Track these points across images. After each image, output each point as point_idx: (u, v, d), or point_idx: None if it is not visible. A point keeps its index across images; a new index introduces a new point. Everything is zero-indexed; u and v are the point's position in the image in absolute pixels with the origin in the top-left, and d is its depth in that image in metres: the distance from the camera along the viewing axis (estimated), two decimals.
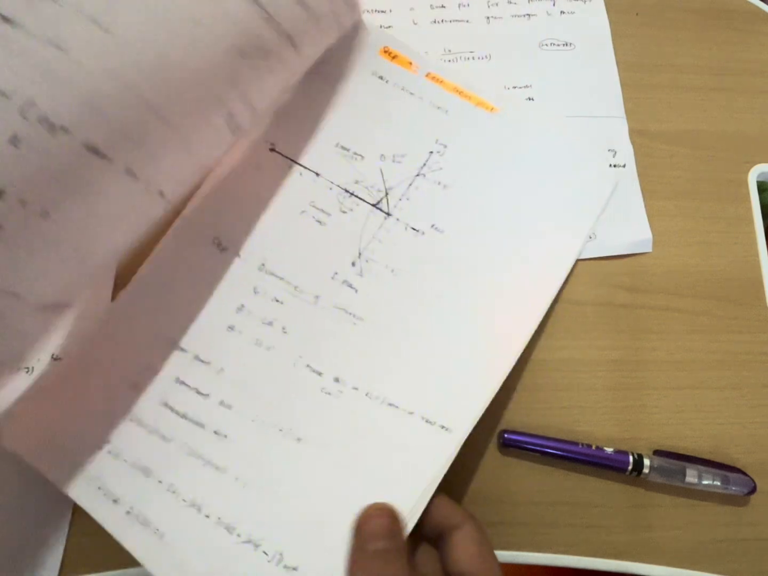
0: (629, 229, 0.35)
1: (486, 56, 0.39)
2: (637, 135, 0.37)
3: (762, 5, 0.42)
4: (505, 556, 0.29)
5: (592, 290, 0.34)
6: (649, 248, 0.35)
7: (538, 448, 0.30)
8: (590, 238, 0.34)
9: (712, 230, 0.36)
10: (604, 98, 0.38)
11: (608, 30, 0.40)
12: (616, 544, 0.29)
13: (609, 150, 0.37)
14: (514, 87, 0.38)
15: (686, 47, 0.40)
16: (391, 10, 0.40)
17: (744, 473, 0.30)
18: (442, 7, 0.40)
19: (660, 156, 0.37)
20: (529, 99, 0.38)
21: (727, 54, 0.40)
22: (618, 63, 0.40)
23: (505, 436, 0.30)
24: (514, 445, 0.30)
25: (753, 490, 0.30)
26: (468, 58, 0.39)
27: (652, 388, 0.32)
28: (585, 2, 0.41)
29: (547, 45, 0.39)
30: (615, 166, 0.36)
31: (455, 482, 0.30)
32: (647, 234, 0.35)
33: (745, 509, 0.30)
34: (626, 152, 0.37)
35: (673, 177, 0.37)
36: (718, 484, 0.29)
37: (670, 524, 0.30)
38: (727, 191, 0.37)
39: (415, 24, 0.39)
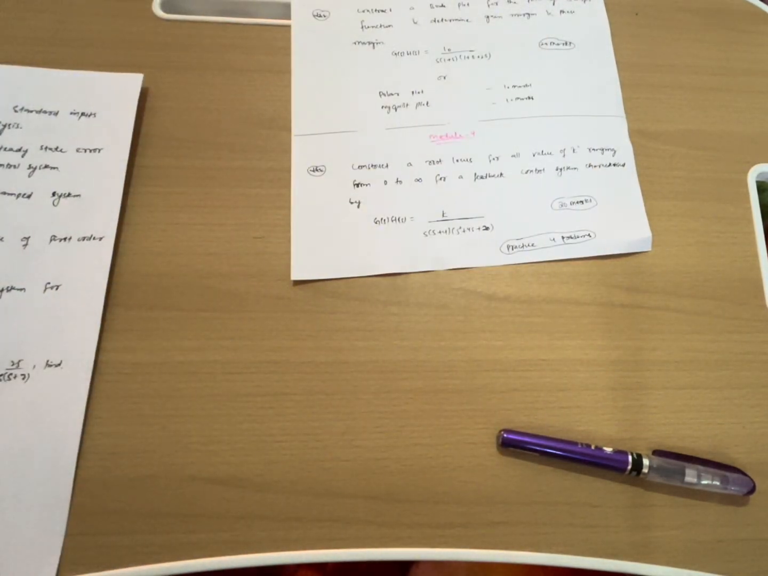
0: (629, 229, 0.35)
1: (486, 55, 0.39)
2: (637, 135, 0.37)
3: (762, 5, 0.42)
4: (505, 556, 0.29)
5: (592, 290, 0.34)
6: (648, 247, 0.35)
7: (537, 448, 0.30)
8: (589, 237, 0.34)
9: (712, 230, 0.36)
10: (603, 97, 0.38)
11: (608, 29, 0.40)
12: (616, 544, 0.29)
13: (608, 149, 0.37)
14: (514, 86, 0.38)
15: (686, 47, 0.40)
16: (391, 9, 0.40)
17: (743, 473, 0.30)
18: (442, 6, 0.40)
19: (660, 156, 0.37)
20: (529, 98, 0.38)
21: (727, 54, 0.40)
22: (618, 63, 0.40)
23: (505, 435, 0.30)
24: (513, 445, 0.30)
25: (752, 490, 0.30)
26: (467, 57, 0.39)
27: (651, 388, 0.32)
28: (585, 1, 0.41)
29: (546, 44, 0.39)
30: (614, 165, 0.36)
31: (455, 482, 0.30)
32: (647, 233, 0.35)
33: (745, 509, 0.30)
34: (626, 151, 0.37)
35: (673, 177, 0.37)
36: (718, 484, 0.29)
37: (669, 524, 0.30)
38: (726, 191, 0.37)
39: (415, 23, 0.39)
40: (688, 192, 0.36)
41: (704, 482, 0.29)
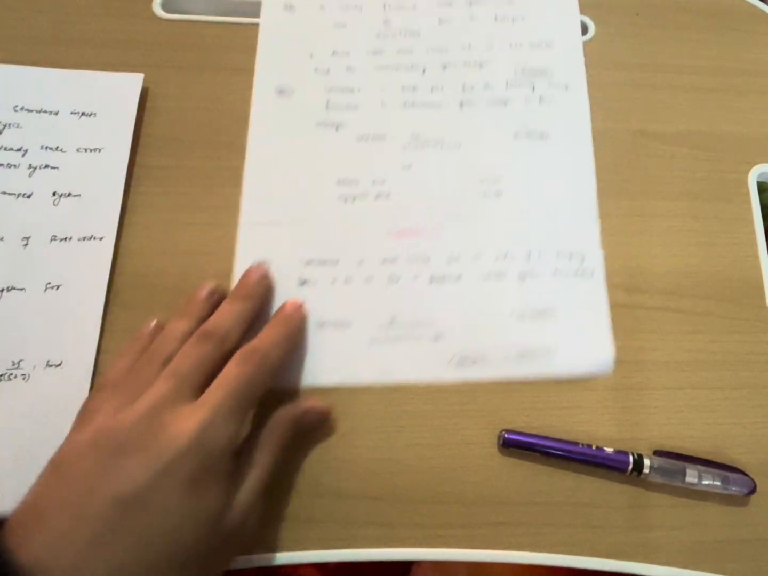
0: (590, 347, 0.32)
1: (456, 145, 0.36)
2: (637, 135, 0.38)
3: (762, 5, 0.42)
4: (505, 556, 0.29)
5: None
6: (609, 369, 0.32)
7: (538, 448, 0.30)
8: (547, 354, 0.32)
9: (712, 230, 0.36)
10: (577, 198, 0.35)
11: (589, 122, 0.37)
12: (616, 544, 0.29)
13: (576, 255, 0.34)
14: (483, 180, 0.35)
15: (686, 47, 0.40)
16: (360, 89, 0.37)
17: (744, 473, 0.30)
18: (414, 89, 0.37)
19: (660, 156, 0.37)
20: (498, 194, 0.35)
21: (727, 54, 0.40)
22: (618, 63, 0.40)
23: (506, 436, 0.30)
24: (514, 445, 0.30)
25: (753, 491, 0.30)
26: (436, 146, 0.36)
27: (652, 388, 0.32)
28: (567, 89, 0.38)
29: (521, 135, 0.36)
30: (582, 273, 0.33)
31: (456, 482, 0.30)
32: (609, 353, 0.32)
33: (745, 509, 0.30)
34: (595, 259, 0.34)
35: (673, 177, 0.37)
36: (718, 484, 0.29)
37: (670, 524, 0.30)
38: (727, 191, 0.37)
39: (383, 106, 0.37)
40: (689, 192, 0.36)
41: (705, 482, 0.29)
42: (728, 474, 0.30)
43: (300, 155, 0.35)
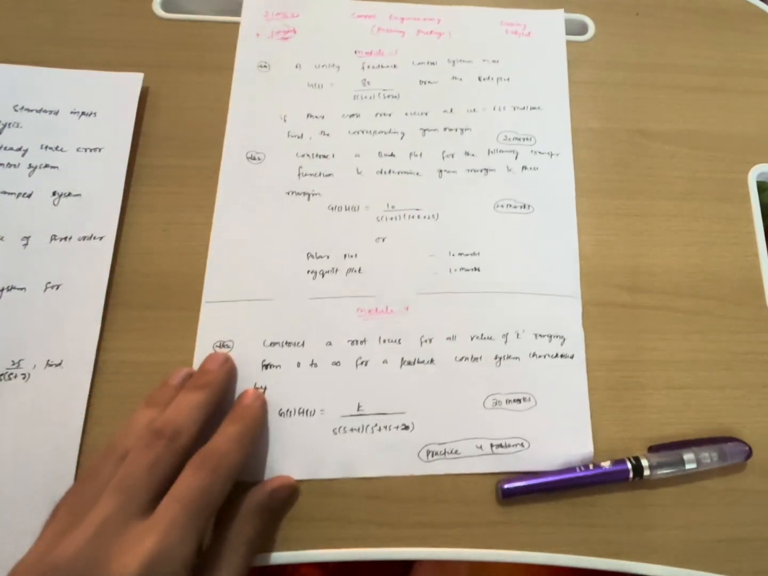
0: (568, 440, 0.30)
1: (433, 215, 0.34)
2: (637, 135, 0.38)
3: (762, 5, 0.42)
4: (505, 555, 0.29)
5: (592, 290, 0.34)
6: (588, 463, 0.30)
7: (539, 489, 0.29)
8: (522, 447, 0.30)
9: (713, 230, 0.36)
10: (559, 274, 0.34)
11: (573, 192, 0.36)
12: (616, 544, 0.29)
13: (557, 336, 0.32)
14: (460, 254, 0.33)
15: (686, 47, 0.40)
16: (334, 155, 0.35)
17: (737, 440, 0.31)
18: (392, 155, 0.36)
19: (660, 156, 0.37)
20: (475, 269, 0.33)
21: (727, 54, 0.40)
22: (618, 63, 0.40)
23: (504, 487, 0.29)
24: (515, 494, 0.29)
25: (749, 455, 0.30)
26: (412, 217, 0.34)
27: (652, 388, 0.32)
28: (551, 157, 0.36)
29: (502, 206, 0.35)
30: (562, 356, 0.32)
31: (456, 481, 0.30)
32: (588, 447, 0.30)
33: (745, 509, 0.30)
34: (576, 340, 0.32)
35: (673, 177, 0.37)
36: (716, 460, 0.30)
37: (669, 524, 0.30)
38: (727, 191, 0.37)
39: (359, 173, 0.35)
40: (689, 192, 0.36)
41: (706, 462, 0.29)
42: (723, 446, 0.30)
43: (268, 227, 0.33)
